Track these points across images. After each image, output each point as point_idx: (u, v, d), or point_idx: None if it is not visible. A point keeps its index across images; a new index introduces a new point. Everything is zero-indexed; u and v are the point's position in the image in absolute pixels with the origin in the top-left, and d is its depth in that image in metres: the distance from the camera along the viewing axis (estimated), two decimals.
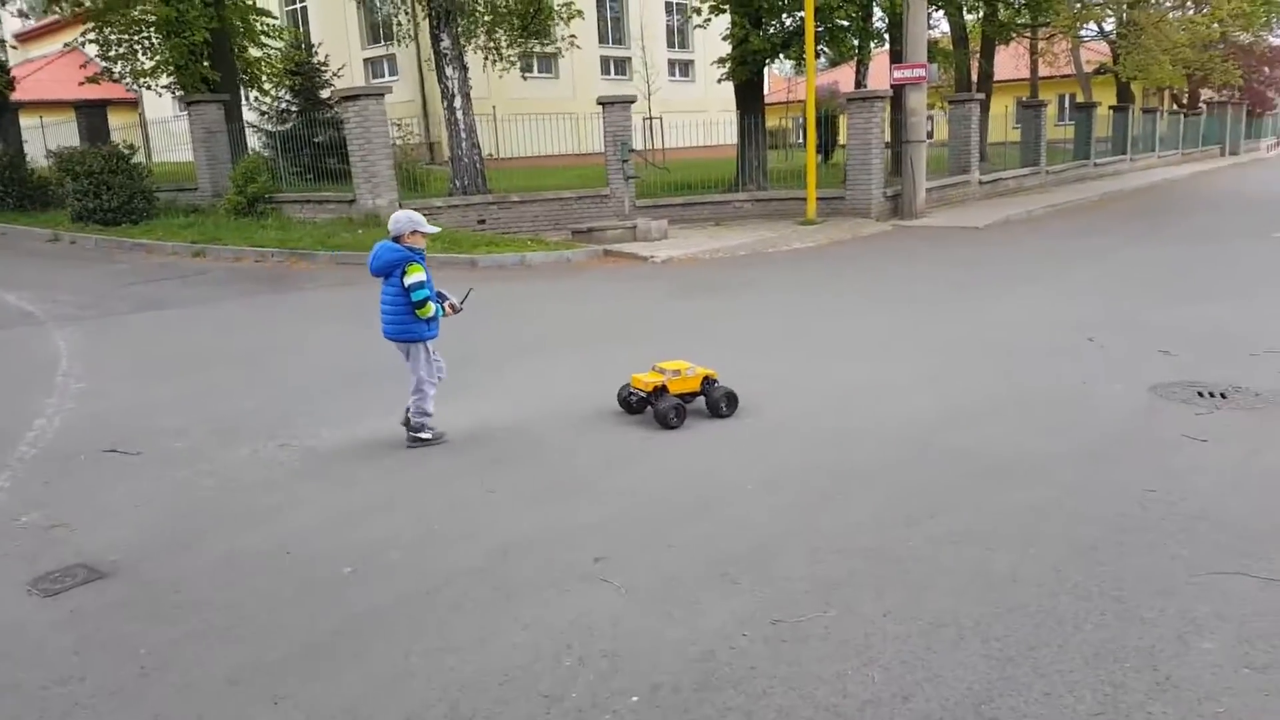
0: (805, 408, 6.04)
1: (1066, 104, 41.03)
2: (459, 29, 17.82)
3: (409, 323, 5.20)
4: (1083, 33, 34.14)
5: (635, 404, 5.79)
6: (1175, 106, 47.18)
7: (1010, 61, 36.22)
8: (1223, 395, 6.01)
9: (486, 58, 19.68)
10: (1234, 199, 21.54)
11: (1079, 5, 27.93)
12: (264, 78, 27.71)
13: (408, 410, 5.40)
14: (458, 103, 17.93)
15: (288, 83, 22.41)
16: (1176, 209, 19.25)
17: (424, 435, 5.38)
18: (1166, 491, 4.44)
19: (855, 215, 17.09)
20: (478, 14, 18.85)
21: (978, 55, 28.15)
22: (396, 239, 5.13)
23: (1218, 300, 9.30)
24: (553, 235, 16.21)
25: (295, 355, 8.18)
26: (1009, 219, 17.17)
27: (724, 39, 20.60)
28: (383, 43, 35.80)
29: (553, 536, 4.16)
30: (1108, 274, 11.27)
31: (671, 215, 17.73)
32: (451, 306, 5.41)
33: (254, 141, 21.64)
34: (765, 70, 23.28)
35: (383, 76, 36.62)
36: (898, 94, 17.50)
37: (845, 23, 19.20)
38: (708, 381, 5.82)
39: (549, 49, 26.88)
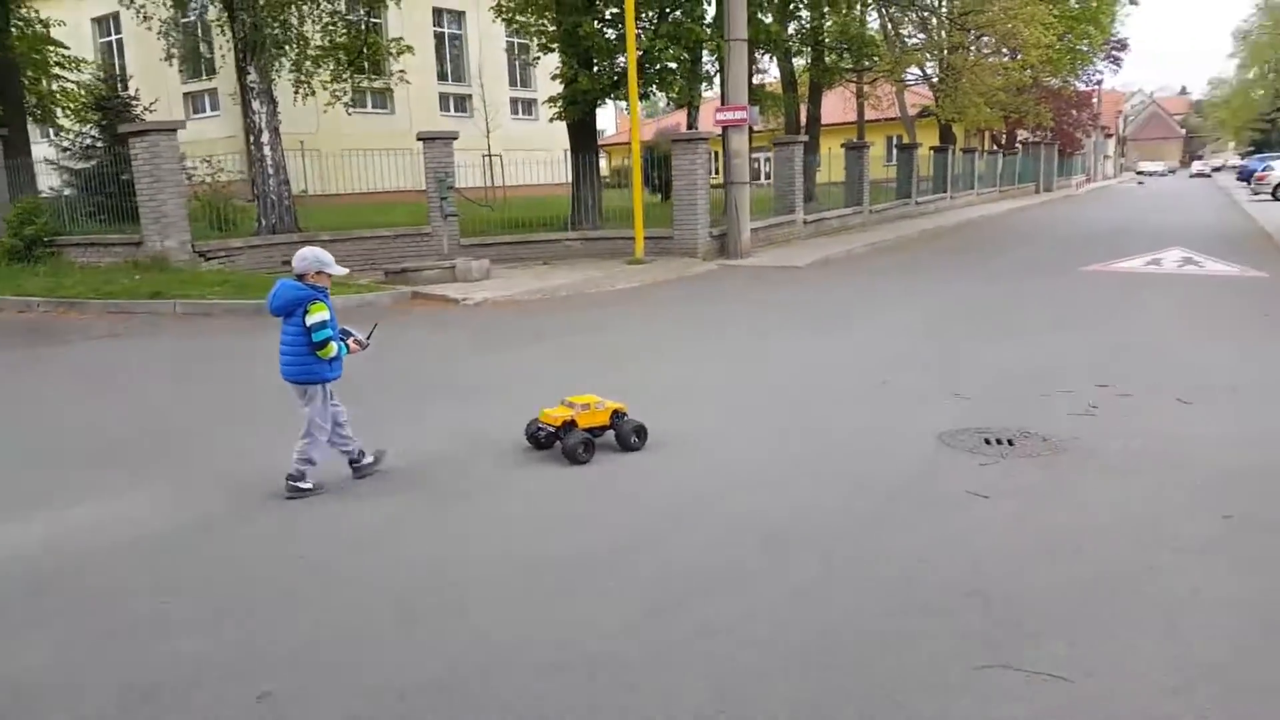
0: (571, 472, 5.53)
1: (893, 146, 42.66)
2: (265, 63, 16.84)
3: (310, 363, 5.00)
4: (906, 77, 35.71)
5: (544, 439, 5.71)
6: (995, 146, 50.12)
7: (840, 105, 37.49)
8: (1010, 442, 5.85)
9: (297, 91, 18.70)
10: (1044, 234, 22.61)
11: (899, 50, 29.07)
12: (60, 112, 25.72)
13: (350, 457, 5.31)
14: (265, 138, 16.98)
15: (92, 117, 20.80)
16: (990, 245, 19.99)
17: (303, 485, 5.08)
18: (939, 564, 4.11)
19: (683, 255, 16.93)
20: (285, 49, 17.89)
21: (805, 99, 28.92)
22: (300, 277, 4.97)
23: (1019, 338, 9.39)
24: (367, 276, 15.35)
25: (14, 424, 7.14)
26: (829, 258, 17.37)
27: (553, 78, 20.29)
28: (204, 77, 34.09)
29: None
30: (917, 312, 11.34)
31: (499, 254, 17.17)
32: (357, 343, 5.24)
33: (55, 180, 19.99)
34: (598, 110, 23.18)
35: (203, 111, 34.84)
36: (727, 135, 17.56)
37: (673, 65, 19.18)
38: (617, 415, 5.81)
39: (377, 84, 26.02)
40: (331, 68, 20.87)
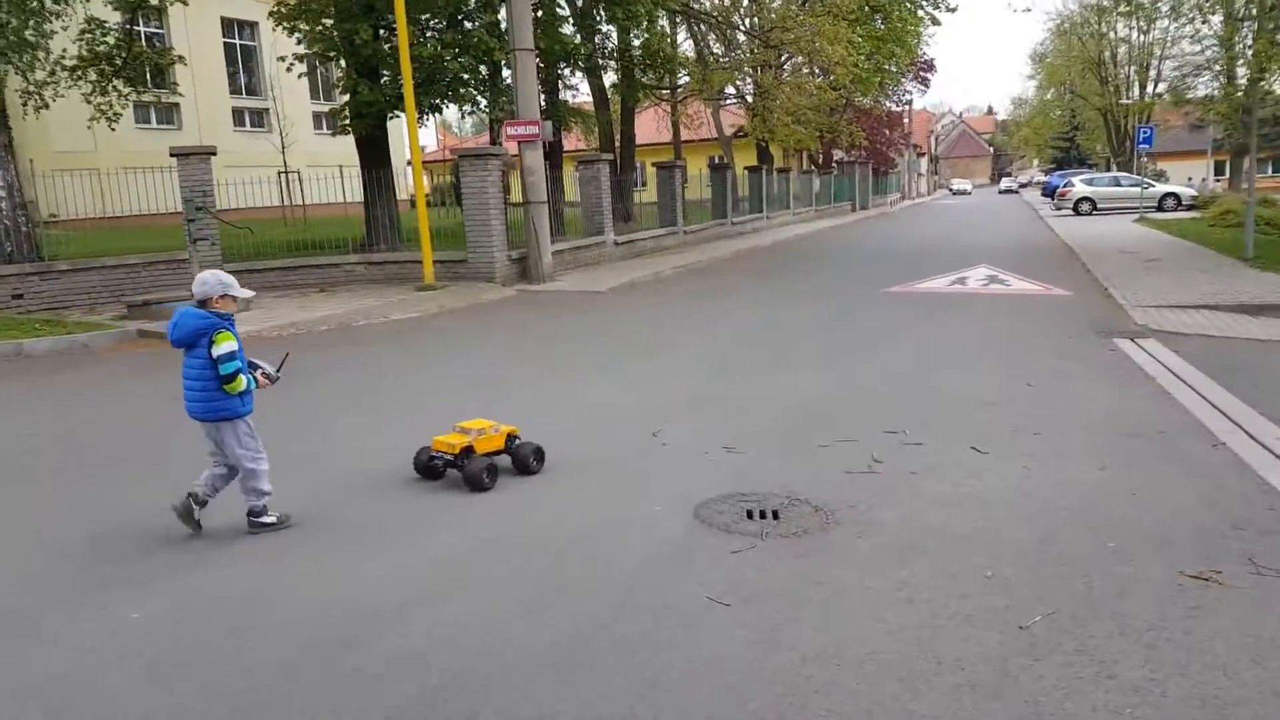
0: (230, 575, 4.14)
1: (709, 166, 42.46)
2: None
3: (219, 399, 4.58)
4: (721, 97, 35.63)
5: (441, 468, 5.50)
6: (812, 166, 51.17)
7: (661, 125, 37.12)
8: (775, 515, 4.83)
9: (25, 104, 16.36)
10: (854, 254, 22.49)
11: (706, 69, 28.76)
12: None
13: (197, 494, 4.70)
14: None
15: None
16: (799, 266, 19.58)
17: (266, 519, 4.77)
18: None
19: (479, 279, 15.61)
20: (11, 57, 15.53)
21: (618, 119, 28.22)
22: (202, 303, 4.53)
23: (811, 370, 8.57)
24: (111, 310, 13.37)
25: None
26: (635, 282, 16.43)
27: (337, 90, 18.62)
28: None
29: None
30: (711, 342, 10.44)
31: (270, 281, 15.43)
32: (265, 376, 4.80)
33: None
34: (394, 122, 21.59)
35: None
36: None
37: (466, 76, 17.87)
38: (511, 439, 5.68)
39: (146, 98, 23.57)
40: (94, 79, 18.58)
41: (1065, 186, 37.23)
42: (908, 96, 55.22)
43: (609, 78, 28.29)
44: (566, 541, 4.59)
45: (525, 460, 5.58)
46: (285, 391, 5.45)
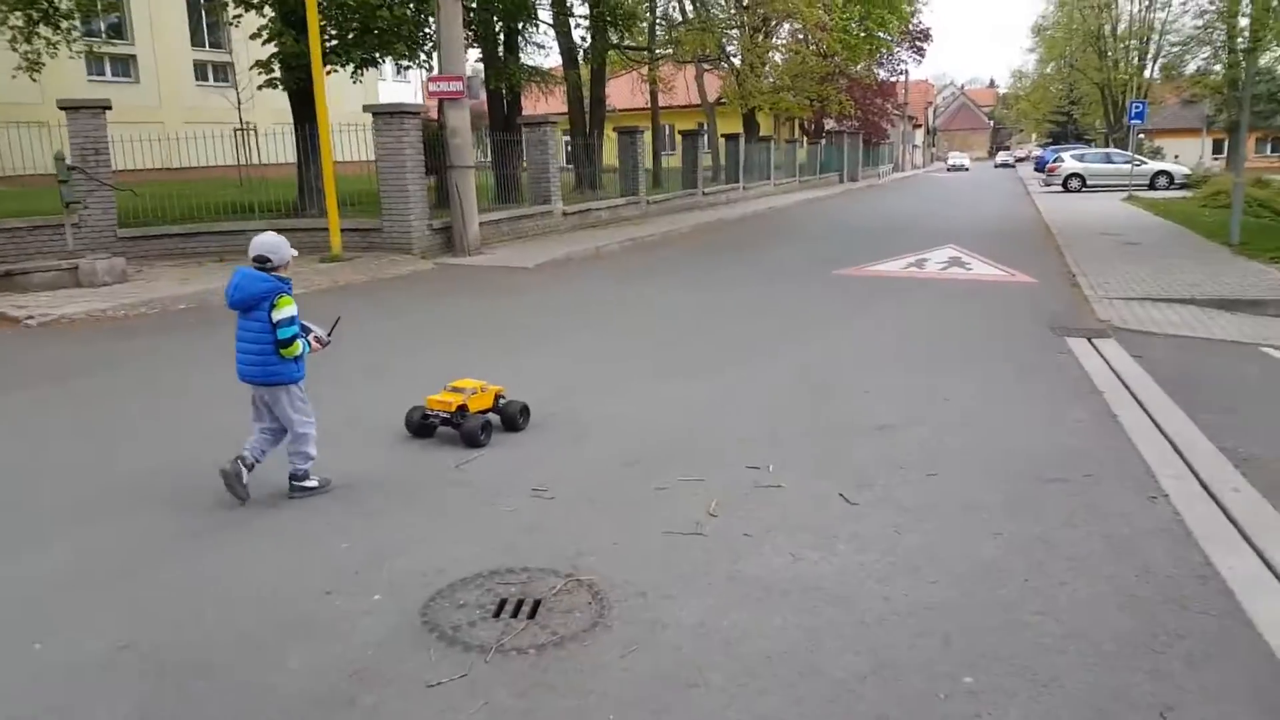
0: None
1: (671, 133, 40.46)
2: None
3: (275, 363, 4.48)
4: (699, 62, 33.99)
5: (432, 425, 5.59)
6: (802, 136, 49.49)
7: (634, 90, 35.52)
8: (534, 608, 3.58)
9: None
10: (821, 230, 21.12)
11: (675, 30, 27.15)
12: None
13: (246, 458, 4.57)
14: None
15: None
16: (758, 242, 18.24)
17: (308, 483, 4.68)
18: None
19: (395, 251, 14.28)
20: None
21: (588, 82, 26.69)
22: (275, 267, 4.43)
23: (697, 376, 7.30)
24: None
25: None
26: (570, 256, 15.10)
27: (253, 38, 17.15)
28: None
29: None
30: (606, 334, 9.17)
31: (166, 249, 14.14)
32: (318, 340, 4.72)
33: None
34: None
35: None
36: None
37: (396, 26, 16.40)
38: (499, 397, 5.80)
39: (77, 47, 21.99)
40: (17, 24, 17.03)
41: (1054, 162, 35.75)
42: (902, 66, 53.53)
43: (579, 34, 26.74)
44: (281, 632, 3.35)
45: (514, 418, 5.72)
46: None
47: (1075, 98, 61.33)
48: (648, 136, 24.70)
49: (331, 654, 3.27)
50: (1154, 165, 34.15)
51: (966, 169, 66.12)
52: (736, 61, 33.69)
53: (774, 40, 34.54)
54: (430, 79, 14.41)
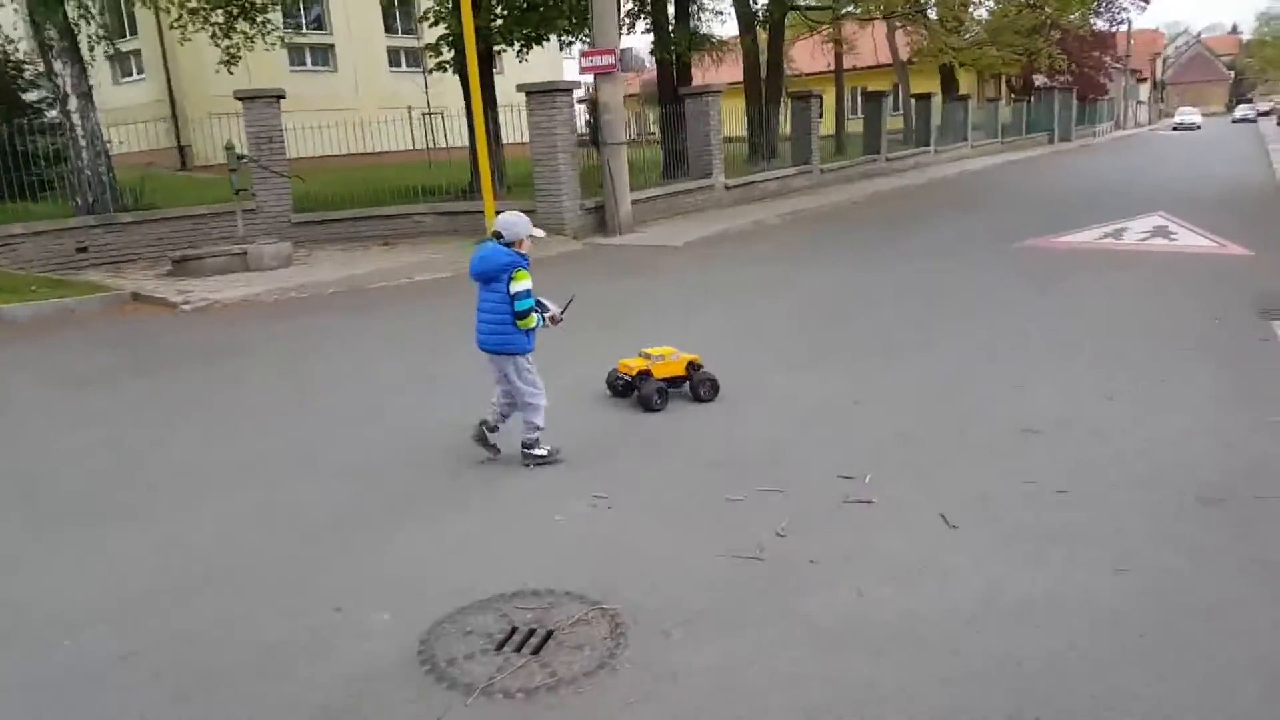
0: None
1: (857, 96, 38.26)
2: (65, 16, 14.27)
3: (510, 334, 4.74)
4: (894, 18, 32.16)
5: (621, 388, 5.89)
6: (1010, 93, 46.17)
7: (816, 51, 34.15)
8: (542, 642, 3.19)
9: (99, 43, 16.05)
10: (1015, 195, 19.49)
11: None
12: None
13: (488, 421, 4.96)
14: (72, 104, 14.45)
15: None
16: (939, 211, 16.95)
17: (538, 451, 4.90)
18: None
19: (550, 231, 14.14)
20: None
21: (766, 45, 25.77)
22: (509, 244, 4.67)
23: (829, 368, 6.65)
24: (148, 269, 12.93)
25: None
26: (728, 232, 14.54)
27: (421, 19, 17.48)
28: (127, 36, 31.46)
29: None
30: (743, 321, 8.61)
31: (336, 233, 14.70)
32: (552, 318, 4.92)
33: None
34: (503, 56, 20.39)
35: (130, 75, 32.42)
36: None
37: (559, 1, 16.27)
38: (692, 366, 5.90)
39: (271, 38, 23.30)
40: (219, 20, 18.17)
41: None
42: (1124, 15, 48.80)
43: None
44: (280, 661, 3.14)
45: (697, 388, 5.83)
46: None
47: None
48: (828, 99, 23.54)
49: (314, 686, 3.01)
50: None
51: (1197, 126, 54.91)
52: (932, 14, 31.70)
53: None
54: (582, 54, 14.18)
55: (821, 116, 21.66)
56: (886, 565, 3.64)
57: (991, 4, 37.81)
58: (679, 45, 20.12)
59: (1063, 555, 3.66)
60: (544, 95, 13.89)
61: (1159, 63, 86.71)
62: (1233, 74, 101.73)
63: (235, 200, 13.05)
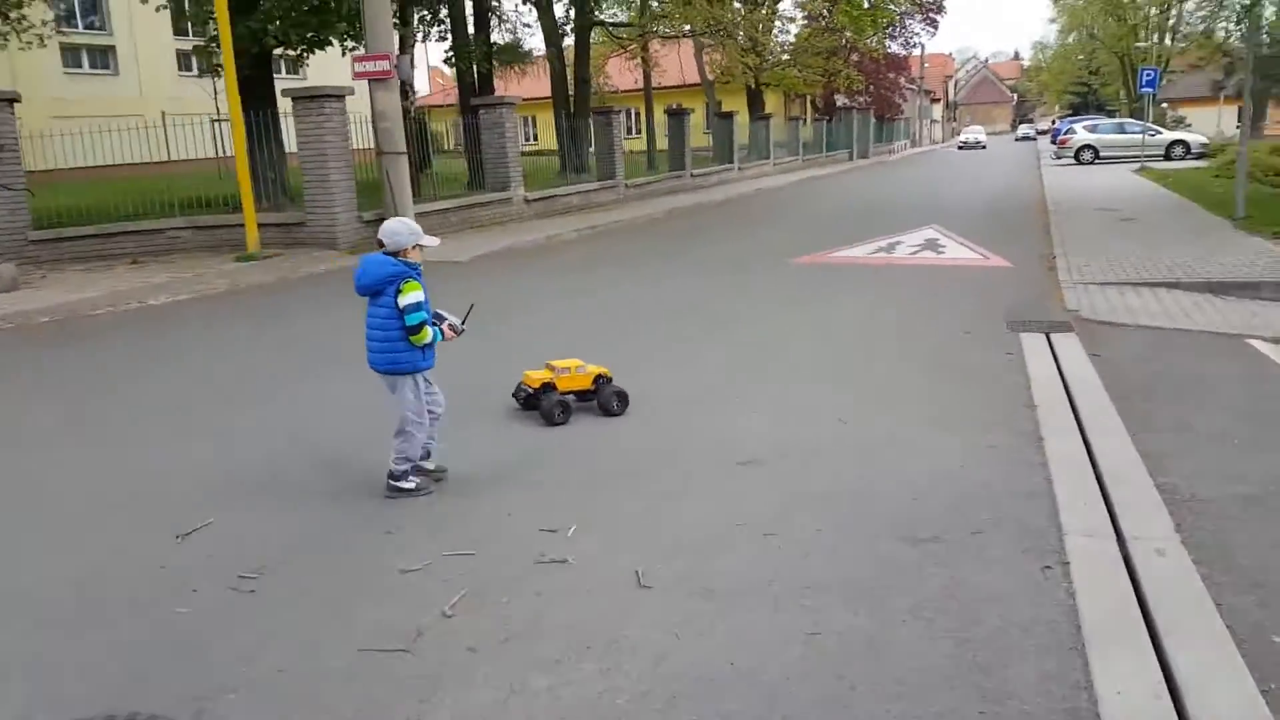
0: None
1: (668, 113, 38.47)
2: None
3: (400, 351, 4.34)
4: (700, 37, 32.59)
5: (524, 400, 5.69)
6: (813, 112, 47.84)
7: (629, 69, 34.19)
8: None
9: None
10: (802, 212, 19.86)
11: (666, 5, 25.76)
12: None
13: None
14: None
15: None
16: (729, 227, 17.02)
17: (405, 485, 4.46)
18: None
19: (321, 246, 13.26)
20: None
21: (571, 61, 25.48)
22: (394, 253, 4.26)
23: None
24: None
25: None
26: (514, 247, 14.03)
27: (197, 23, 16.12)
28: None
29: None
30: (507, 339, 8.05)
31: (81, 251, 13.26)
32: (451, 328, 4.50)
33: None
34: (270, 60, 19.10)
35: None
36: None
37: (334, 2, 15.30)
38: (600, 379, 5.70)
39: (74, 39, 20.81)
40: None
41: (1066, 134, 34.01)
42: (916, 39, 51.55)
43: (561, 9, 25.52)
44: None
45: (608, 402, 5.63)
46: None
47: (1094, 68, 59.26)
48: (625, 117, 23.43)
49: None
50: (1169, 135, 32.38)
51: (982, 145, 55.15)
52: (737, 36, 32.30)
53: (770, 11, 33.02)
54: (355, 58, 13.32)
55: (639, 133, 21.49)
56: (556, 645, 3.15)
57: (796, 27, 39.23)
58: (475, 55, 19.48)
59: (752, 616, 3.29)
60: (310, 101, 12.99)
61: (951, 85, 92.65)
62: (1016, 96, 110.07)
63: None
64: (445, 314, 4.52)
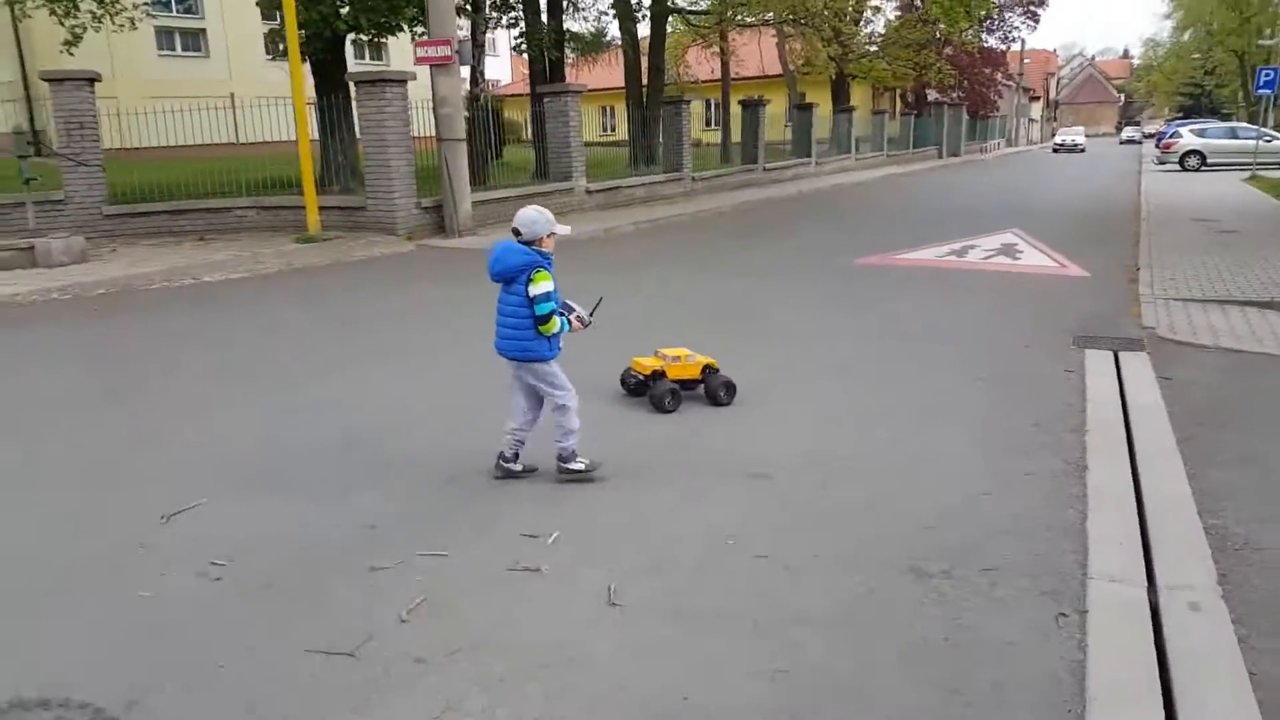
0: None
1: (730, 102, 37.49)
2: None
3: (530, 340, 4.29)
4: (783, 25, 31.95)
5: (634, 386, 5.76)
6: (902, 107, 46.62)
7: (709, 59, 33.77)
8: None
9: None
10: (879, 210, 19.28)
11: None
12: None
13: (504, 454, 4.49)
14: None
15: None
16: (797, 224, 16.55)
17: (574, 466, 4.43)
18: None
19: (380, 231, 13.29)
20: None
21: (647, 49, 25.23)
22: (528, 242, 4.22)
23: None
24: None
25: None
26: (569, 238, 13.73)
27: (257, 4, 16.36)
28: None
29: None
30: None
31: (154, 226, 13.54)
32: (579, 320, 4.45)
33: None
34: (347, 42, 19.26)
35: None
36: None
37: None
38: (708, 369, 5.74)
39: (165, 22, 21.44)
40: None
41: (1171, 138, 32.31)
42: (1016, 33, 49.83)
43: None
44: None
45: (715, 391, 5.66)
46: None
47: (1210, 67, 56.36)
48: (696, 107, 23.04)
49: None
50: None
51: (1080, 148, 51.12)
52: (817, 23, 31.56)
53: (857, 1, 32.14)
54: (417, 43, 13.29)
55: (718, 125, 21.10)
56: (506, 661, 2.94)
57: (886, 17, 38.24)
58: (545, 42, 19.36)
59: (720, 650, 3.02)
60: (372, 86, 12.99)
61: (1053, 82, 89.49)
62: (1123, 97, 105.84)
63: (25, 191, 11.80)
64: (574, 305, 4.48)
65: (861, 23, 36.14)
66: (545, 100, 16.72)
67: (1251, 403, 5.87)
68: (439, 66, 12.96)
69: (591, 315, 4.58)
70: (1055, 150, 52.73)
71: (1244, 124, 34.29)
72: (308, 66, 17.33)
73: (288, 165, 17.00)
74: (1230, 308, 8.73)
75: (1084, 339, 7.53)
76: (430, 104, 13.57)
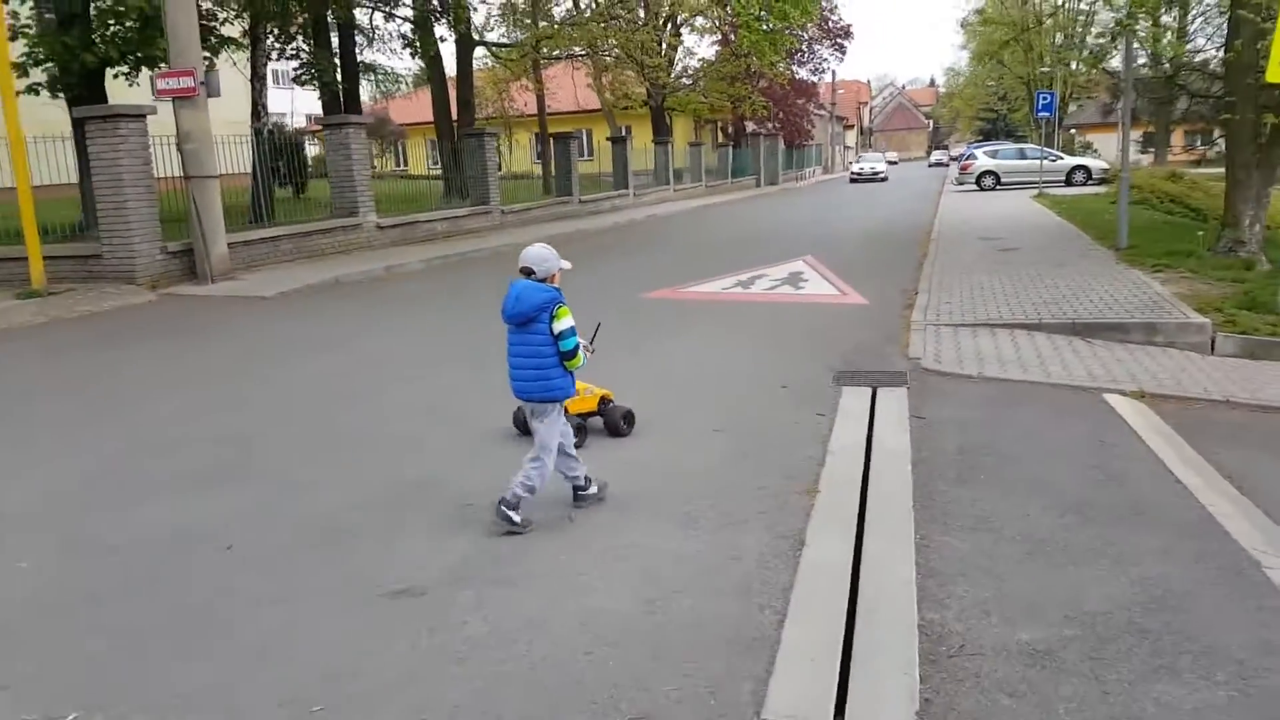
0: None
1: (543, 139, 35.81)
2: None
3: (555, 378, 4.19)
4: (591, 58, 31.70)
5: (524, 425, 5.06)
6: (723, 139, 47.23)
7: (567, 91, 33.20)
8: None
9: None
10: (681, 241, 18.88)
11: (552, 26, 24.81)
12: None
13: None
14: None
15: None
16: (600, 256, 15.94)
17: (515, 516, 4.19)
18: None
19: (119, 279, 11.79)
20: None
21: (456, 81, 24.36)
22: (543, 279, 4.18)
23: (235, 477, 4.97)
24: None
25: None
26: (340, 279, 12.71)
27: (12, 38, 14.55)
28: None
29: None
30: (239, 403, 6.81)
31: None
32: (587, 349, 4.37)
33: None
34: (117, 81, 17.55)
35: None
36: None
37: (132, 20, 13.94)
38: (604, 401, 5.61)
39: None
40: None
41: (968, 159, 33.87)
42: (825, 65, 51.47)
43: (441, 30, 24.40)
44: None
45: (616, 423, 5.53)
46: None
47: (1002, 93, 60.04)
48: (521, 137, 22.34)
49: None
50: (1071, 160, 32.36)
51: (881, 176, 46.07)
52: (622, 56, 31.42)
53: (653, 31, 32.17)
54: (156, 75, 11.96)
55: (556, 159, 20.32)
56: None
57: (702, 50, 38.67)
58: (326, 74, 18.19)
59: None
60: (104, 121, 11.51)
61: (866, 111, 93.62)
62: (931, 122, 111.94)
63: None
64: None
65: (674, 61, 36.38)
66: (327, 132, 15.54)
67: (1003, 444, 5.47)
68: (182, 99, 11.65)
69: (593, 341, 4.58)
70: (853, 180, 47.07)
71: (1031, 145, 36.24)
72: (62, 101, 15.60)
73: (56, 210, 15.20)
74: (1000, 331, 8.56)
75: (844, 375, 7.09)
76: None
